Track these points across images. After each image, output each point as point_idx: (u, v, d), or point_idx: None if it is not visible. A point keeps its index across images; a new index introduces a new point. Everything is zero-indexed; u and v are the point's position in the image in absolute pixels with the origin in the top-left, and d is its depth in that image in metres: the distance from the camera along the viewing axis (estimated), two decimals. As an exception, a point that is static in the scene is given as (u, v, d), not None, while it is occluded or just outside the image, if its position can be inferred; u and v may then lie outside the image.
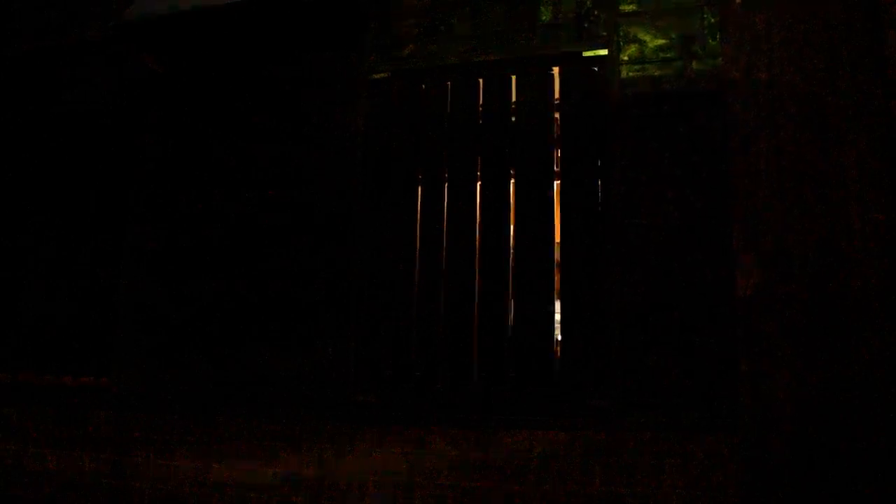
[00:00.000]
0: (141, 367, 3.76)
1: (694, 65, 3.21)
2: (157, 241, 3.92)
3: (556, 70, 4.08)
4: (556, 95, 4.49)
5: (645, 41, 3.32)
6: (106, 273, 4.07)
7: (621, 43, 3.36)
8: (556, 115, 3.47)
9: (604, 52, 3.40)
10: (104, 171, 4.22)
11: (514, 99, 3.54)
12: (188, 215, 3.89)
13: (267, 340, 3.56)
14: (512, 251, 3.38)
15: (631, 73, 3.31)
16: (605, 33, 3.40)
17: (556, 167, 3.57)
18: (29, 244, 4.33)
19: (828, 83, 1.70)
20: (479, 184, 3.51)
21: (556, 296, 3.70)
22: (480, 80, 3.61)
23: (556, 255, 3.31)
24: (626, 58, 3.34)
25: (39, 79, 4.56)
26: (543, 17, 3.52)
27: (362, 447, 3.28)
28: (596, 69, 3.42)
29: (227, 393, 3.56)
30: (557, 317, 3.59)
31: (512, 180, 3.47)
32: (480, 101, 3.59)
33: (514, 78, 3.56)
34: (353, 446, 3.30)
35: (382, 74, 3.75)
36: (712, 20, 3.22)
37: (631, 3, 3.38)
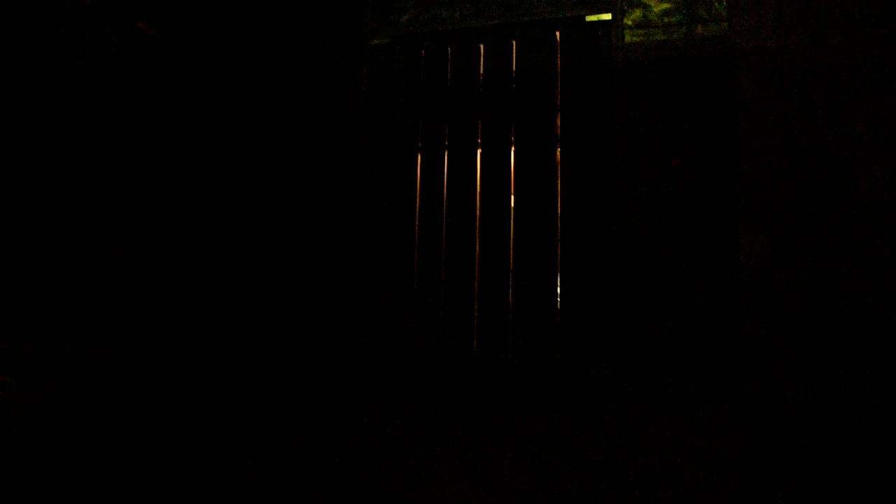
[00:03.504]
0: (143, 337, 3.78)
1: (699, 29, 3.16)
2: (158, 208, 3.90)
3: (558, 35, 4.02)
4: (559, 61, 4.43)
5: (649, 5, 3.26)
6: (108, 242, 4.06)
7: (625, 7, 3.29)
8: (558, 82, 3.42)
9: (607, 16, 3.34)
10: (103, 138, 4.17)
11: (515, 64, 3.49)
12: (188, 181, 3.87)
13: (268, 311, 3.57)
14: (513, 218, 3.37)
15: (635, 38, 3.25)
16: (608, -3, 3.33)
17: (558, 134, 3.54)
18: (29, 212, 4.30)
19: (840, 49, 1.67)
20: (479, 150, 3.48)
21: (557, 265, 3.70)
22: (481, 46, 3.55)
23: (558, 223, 3.31)
24: (629, 22, 3.28)
25: (36, 46, 4.47)
26: (546, -19, 3.45)
27: (361, 416, 3.32)
28: (599, 34, 3.36)
29: (230, 363, 3.59)
30: (559, 286, 3.60)
31: (513, 147, 3.44)
32: (481, 67, 3.54)
33: (515, 43, 3.50)
34: (355, 411, 3.34)
35: (383, 40, 3.69)
36: (718, -17, 3.15)
37: (635, -34, 3.31)
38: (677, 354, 2.94)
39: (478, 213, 3.43)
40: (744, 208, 1.77)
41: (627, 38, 3.26)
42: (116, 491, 2.25)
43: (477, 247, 3.40)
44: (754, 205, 1.71)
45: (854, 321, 1.55)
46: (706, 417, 2.84)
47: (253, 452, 2.83)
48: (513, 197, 3.39)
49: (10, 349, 4.06)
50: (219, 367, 3.62)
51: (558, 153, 4.09)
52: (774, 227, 1.70)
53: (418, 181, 3.55)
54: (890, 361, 1.51)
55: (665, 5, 3.23)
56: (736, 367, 2.78)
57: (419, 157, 3.57)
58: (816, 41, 1.75)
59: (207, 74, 3.95)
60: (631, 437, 2.93)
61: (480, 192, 3.44)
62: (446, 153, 3.53)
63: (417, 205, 3.52)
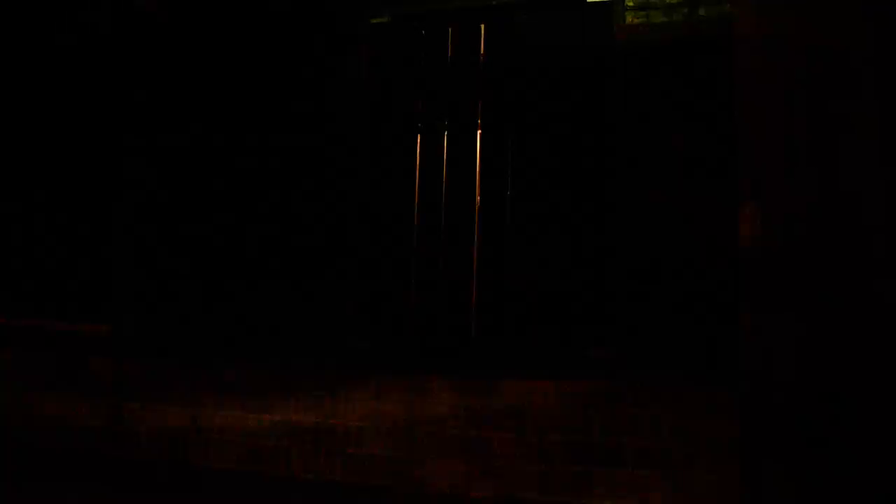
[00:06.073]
0: (139, 313, 3.79)
1: (701, 11, 3.15)
2: (153, 185, 3.89)
3: (559, 16, 3.99)
4: (560, 42, 4.40)
5: (651, -14, 3.24)
6: (103, 217, 4.06)
7: (627, -12, 3.28)
8: (559, 63, 3.41)
9: (609, -3, 3.32)
10: (98, 112, 4.15)
11: (516, 45, 3.48)
12: (185, 159, 3.86)
13: (264, 287, 3.59)
14: (512, 199, 3.38)
15: (636, 20, 3.24)
16: (610, -23, 3.31)
17: (558, 115, 3.53)
18: (24, 187, 4.29)
19: (846, 28, 1.67)
20: (479, 131, 3.48)
21: (557, 245, 3.72)
22: (483, 26, 3.54)
23: (558, 204, 3.31)
24: (630, 3, 3.26)
25: (29, 20, 4.43)
26: (548, -40, 3.42)
27: (359, 394, 3.35)
28: (600, 15, 3.35)
29: (224, 340, 3.61)
30: (559, 266, 3.61)
31: (513, 128, 3.43)
32: (482, 47, 3.52)
33: (516, 24, 3.48)
34: (350, 393, 3.37)
35: (383, 19, 3.67)
36: (721, -35, 3.14)
37: (638, -54, 3.29)
38: (676, 335, 2.97)
39: (477, 194, 3.44)
40: (742, 190, 1.78)
41: (629, 19, 3.25)
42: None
43: (476, 228, 3.41)
44: (752, 186, 1.72)
45: (847, 296, 1.57)
46: (703, 398, 2.88)
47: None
48: (512, 177, 3.39)
49: (12, 324, 4.07)
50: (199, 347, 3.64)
51: (558, 134, 4.08)
52: (771, 209, 1.71)
53: (418, 161, 3.55)
54: (886, 364, 1.53)
55: (667, -14, 3.21)
56: (735, 348, 2.81)
57: (419, 138, 3.56)
58: (822, 22, 1.75)
59: (204, 52, 3.92)
60: (628, 418, 2.97)
61: (480, 173, 3.45)
62: (446, 133, 3.52)
63: (417, 184, 3.52)
